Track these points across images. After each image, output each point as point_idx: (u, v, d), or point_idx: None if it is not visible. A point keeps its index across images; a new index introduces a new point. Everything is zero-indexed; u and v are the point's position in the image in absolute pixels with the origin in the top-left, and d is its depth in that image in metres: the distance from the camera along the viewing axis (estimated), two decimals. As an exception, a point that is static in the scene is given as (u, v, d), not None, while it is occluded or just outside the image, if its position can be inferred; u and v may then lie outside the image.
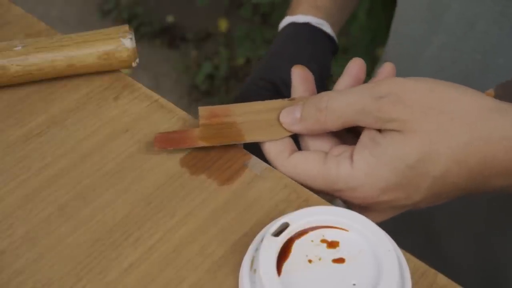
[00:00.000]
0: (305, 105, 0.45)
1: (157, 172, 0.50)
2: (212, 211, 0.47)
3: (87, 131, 0.53)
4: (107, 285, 0.43)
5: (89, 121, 0.53)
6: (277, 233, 0.42)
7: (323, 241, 0.42)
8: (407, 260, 0.43)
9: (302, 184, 0.47)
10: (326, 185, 0.44)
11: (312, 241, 0.42)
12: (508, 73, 0.52)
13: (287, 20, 0.66)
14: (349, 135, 0.48)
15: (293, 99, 0.47)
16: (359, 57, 0.50)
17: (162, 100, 0.55)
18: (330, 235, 0.43)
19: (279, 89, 0.62)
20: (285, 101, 0.46)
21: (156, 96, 0.56)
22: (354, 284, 0.40)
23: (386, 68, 0.48)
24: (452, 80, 0.56)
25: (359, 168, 0.42)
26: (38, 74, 0.55)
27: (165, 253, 0.45)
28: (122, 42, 0.54)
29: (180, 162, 0.50)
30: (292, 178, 0.47)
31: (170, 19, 2.25)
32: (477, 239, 0.62)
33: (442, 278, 0.43)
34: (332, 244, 0.42)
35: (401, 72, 0.62)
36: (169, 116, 0.54)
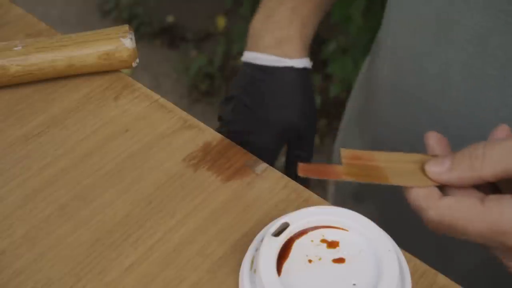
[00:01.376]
0: (457, 154, 0.41)
1: (157, 172, 0.50)
2: (212, 211, 0.47)
3: (87, 131, 0.53)
4: (107, 285, 0.43)
5: (89, 121, 0.53)
6: (277, 233, 0.42)
7: (323, 241, 0.42)
8: (407, 260, 0.43)
9: (456, 231, 0.41)
10: (487, 228, 0.39)
11: (312, 241, 0.42)
12: None
13: (283, 62, 0.61)
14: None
15: (437, 155, 0.46)
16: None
17: (162, 100, 0.55)
18: (330, 235, 0.43)
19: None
20: (427, 156, 0.46)
21: (156, 96, 0.56)
22: (354, 284, 0.40)
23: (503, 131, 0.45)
24: (464, 98, 0.54)
25: None
26: (38, 74, 0.55)
27: (165, 253, 0.45)
28: (122, 42, 0.54)
29: (180, 163, 0.50)
30: (442, 224, 0.41)
31: (170, 19, 2.25)
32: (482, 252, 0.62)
33: (442, 278, 0.43)
34: (332, 244, 0.42)
35: (402, 86, 0.61)
36: (169, 116, 0.54)
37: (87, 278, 0.43)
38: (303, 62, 0.61)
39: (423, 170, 0.44)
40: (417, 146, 0.47)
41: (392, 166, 0.46)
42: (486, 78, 0.49)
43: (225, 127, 0.59)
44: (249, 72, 0.61)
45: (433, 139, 0.45)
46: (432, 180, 0.43)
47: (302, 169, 0.46)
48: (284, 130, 0.60)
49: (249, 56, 0.62)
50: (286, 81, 0.60)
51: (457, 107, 0.56)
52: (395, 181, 0.45)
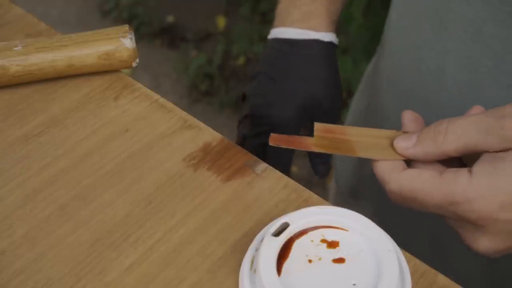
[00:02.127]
0: (424, 130, 0.43)
1: (157, 172, 0.50)
2: (212, 211, 0.47)
3: (87, 131, 0.53)
4: (107, 285, 0.43)
5: (89, 121, 0.53)
6: (277, 233, 0.42)
7: (323, 241, 0.42)
8: (407, 260, 0.43)
9: (415, 202, 0.43)
10: (442, 198, 0.41)
11: (312, 241, 0.42)
12: None
13: (309, 35, 0.61)
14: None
15: (407, 132, 0.47)
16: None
17: (162, 100, 0.55)
18: (330, 235, 0.43)
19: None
20: (399, 132, 0.47)
21: (156, 96, 0.56)
22: (354, 284, 0.40)
23: (474, 109, 0.46)
24: (460, 90, 0.55)
25: (479, 178, 0.40)
26: (38, 74, 0.55)
27: (165, 253, 0.45)
28: (122, 42, 0.54)
29: (180, 163, 0.50)
30: (402, 195, 0.43)
31: (170, 19, 2.25)
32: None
33: (442, 278, 0.43)
34: (332, 244, 0.42)
35: (402, 81, 0.61)
36: (169, 116, 0.54)
37: (87, 278, 0.43)
38: (329, 36, 0.62)
39: (392, 145, 0.45)
40: None
41: (363, 140, 0.47)
42: (482, 69, 0.49)
43: (247, 104, 0.58)
44: (275, 47, 0.62)
45: (408, 117, 0.47)
46: (400, 154, 0.44)
47: (273, 139, 0.46)
48: (307, 103, 0.58)
49: (275, 32, 0.63)
50: (312, 54, 0.60)
51: (454, 100, 0.56)
52: (363, 154, 0.46)
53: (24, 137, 0.52)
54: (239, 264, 0.43)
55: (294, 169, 1.62)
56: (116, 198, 0.48)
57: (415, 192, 0.42)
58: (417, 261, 0.44)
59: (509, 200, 0.39)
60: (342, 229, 0.43)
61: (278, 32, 0.62)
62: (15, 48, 0.54)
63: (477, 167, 0.40)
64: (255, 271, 0.41)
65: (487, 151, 0.40)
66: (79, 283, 0.43)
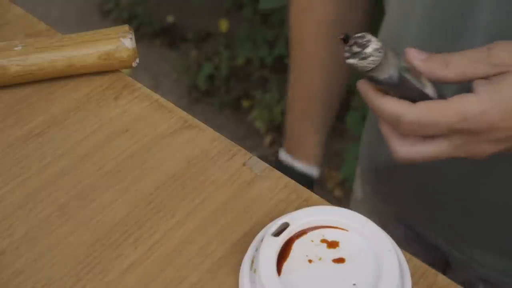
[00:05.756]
0: (434, 54, 0.48)
1: (157, 172, 0.50)
2: (212, 211, 0.47)
3: (87, 131, 0.53)
4: (107, 285, 0.43)
5: (89, 121, 0.53)
6: (277, 233, 0.42)
7: (323, 241, 0.42)
8: (407, 260, 0.43)
9: (429, 126, 0.47)
10: (453, 116, 0.46)
11: (312, 241, 0.42)
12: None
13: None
14: None
15: None
16: None
17: (162, 100, 0.55)
18: (330, 235, 0.43)
19: None
20: None
21: (156, 96, 0.56)
22: (354, 284, 0.40)
23: None
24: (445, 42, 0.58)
25: (484, 93, 0.45)
26: (38, 74, 0.55)
27: (165, 253, 0.45)
28: (122, 42, 0.54)
29: (180, 162, 0.50)
30: (421, 122, 0.46)
31: (170, 19, 2.25)
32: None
33: (442, 279, 0.43)
34: (332, 244, 0.42)
35: (393, 37, 0.63)
36: (169, 116, 0.54)
37: (87, 278, 0.43)
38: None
39: None
40: None
41: None
42: (435, 51, 0.51)
43: None
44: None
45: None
46: (407, 58, 0.47)
47: None
48: None
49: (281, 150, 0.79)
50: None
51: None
52: None
53: (24, 137, 0.52)
54: (239, 264, 0.43)
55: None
56: (116, 198, 0.48)
57: (431, 116, 0.46)
58: (417, 261, 0.44)
59: (508, 108, 0.46)
60: (342, 229, 0.43)
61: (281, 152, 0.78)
62: (15, 48, 0.54)
63: (479, 87, 0.46)
64: (255, 271, 0.41)
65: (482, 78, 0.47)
66: (79, 283, 0.43)
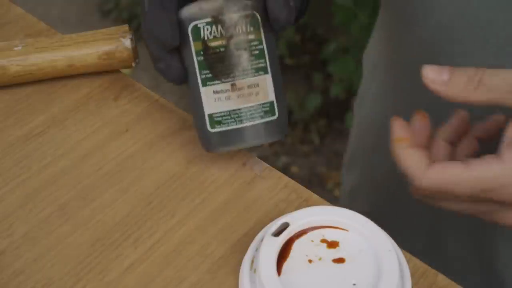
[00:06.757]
0: (457, 73, 0.42)
1: (157, 172, 0.50)
2: (212, 211, 0.47)
3: (87, 131, 0.53)
4: (107, 285, 0.43)
5: (89, 121, 0.53)
6: (277, 233, 0.42)
7: (323, 241, 0.42)
8: (407, 260, 0.43)
9: (443, 195, 0.43)
10: (473, 187, 0.41)
11: (312, 241, 0.42)
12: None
13: None
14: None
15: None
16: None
17: (162, 100, 0.55)
18: (330, 235, 0.43)
19: None
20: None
21: (156, 96, 0.56)
22: (354, 284, 0.40)
23: None
24: (452, 61, 0.55)
25: (509, 164, 0.40)
26: (38, 74, 0.55)
27: (165, 253, 0.45)
28: (122, 42, 0.55)
29: (180, 163, 0.50)
30: (437, 190, 0.43)
31: (170, 19, 2.25)
32: (475, 237, 0.62)
33: (442, 279, 0.43)
34: (332, 244, 0.42)
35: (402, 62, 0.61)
36: (169, 116, 0.54)
37: (87, 278, 0.43)
38: None
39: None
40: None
41: None
42: (471, 39, 0.49)
43: None
44: None
45: (398, 124, 0.45)
46: (426, 84, 0.42)
47: None
48: None
49: None
50: None
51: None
52: None
53: (24, 137, 0.52)
54: (239, 264, 0.43)
55: (294, 169, 1.62)
56: (116, 198, 0.48)
57: (444, 185, 0.42)
58: (417, 261, 0.44)
59: None
60: (342, 229, 0.43)
61: None
62: (15, 48, 0.54)
63: (507, 150, 0.40)
64: (255, 271, 0.41)
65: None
66: (79, 283, 0.43)
